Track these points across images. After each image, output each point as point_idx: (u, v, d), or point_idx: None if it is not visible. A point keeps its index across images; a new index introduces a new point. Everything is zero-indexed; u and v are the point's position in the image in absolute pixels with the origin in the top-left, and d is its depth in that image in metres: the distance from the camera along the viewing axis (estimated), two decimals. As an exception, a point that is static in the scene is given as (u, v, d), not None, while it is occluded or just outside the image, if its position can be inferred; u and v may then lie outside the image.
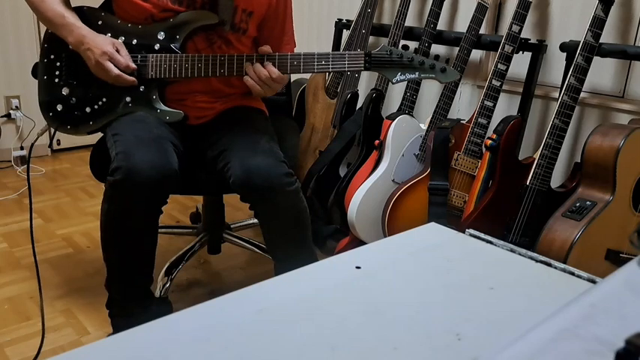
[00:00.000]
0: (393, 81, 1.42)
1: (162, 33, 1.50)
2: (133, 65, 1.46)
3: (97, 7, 1.58)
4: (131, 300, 1.50)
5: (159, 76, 1.49)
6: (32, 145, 1.62)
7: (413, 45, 1.94)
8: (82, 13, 1.52)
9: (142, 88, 1.50)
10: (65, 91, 1.53)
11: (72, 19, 1.47)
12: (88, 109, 1.53)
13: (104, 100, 1.52)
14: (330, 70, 1.44)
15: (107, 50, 1.43)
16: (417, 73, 1.42)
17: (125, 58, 1.45)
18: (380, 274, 0.73)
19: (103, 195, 1.39)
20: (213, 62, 1.46)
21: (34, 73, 1.61)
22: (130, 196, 1.34)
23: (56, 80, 1.54)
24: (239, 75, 1.46)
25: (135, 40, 1.51)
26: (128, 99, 1.51)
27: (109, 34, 1.50)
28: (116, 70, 1.43)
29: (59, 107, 1.53)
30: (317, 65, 1.44)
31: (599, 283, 0.53)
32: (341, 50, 2.35)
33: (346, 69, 1.45)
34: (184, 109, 1.53)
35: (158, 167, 1.33)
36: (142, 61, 1.49)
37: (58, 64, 1.54)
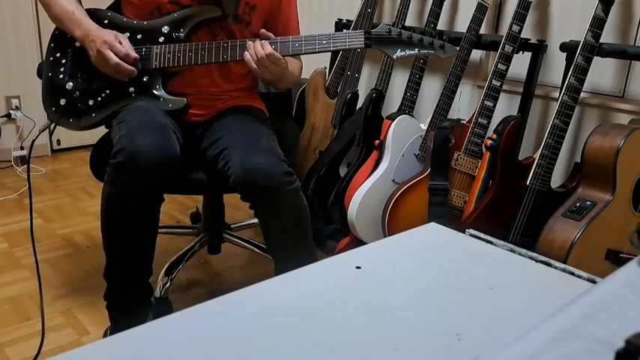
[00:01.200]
0: (394, 57, 1.44)
1: (166, 27, 1.53)
2: (134, 54, 1.48)
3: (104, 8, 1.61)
4: (130, 291, 1.50)
5: (163, 65, 1.51)
6: (33, 141, 1.62)
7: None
8: (90, 14, 1.55)
9: (145, 79, 1.53)
10: (69, 86, 1.54)
11: (81, 15, 1.51)
12: (91, 102, 1.54)
13: (107, 92, 1.53)
14: (332, 48, 1.46)
15: (108, 40, 1.45)
16: (416, 49, 1.45)
17: (126, 48, 1.47)
18: (380, 274, 0.73)
19: (104, 179, 1.39)
20: (216, 48, 1.49)
21: (39, 73, 1.62)
22: (132, 178, 1.33)
23: (60, 76, 1.56)
24: (241, 60, 1.48)
25: (140, 36, 1.54)
26: (132, 89, 1.53)
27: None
28: (116, 59, 1.45)
29: (62, 101, 1.55)
30: (318, 45, 1.46)
31: (599, 283, 0.53)
32: (341, 51, 2.35)
33: (347, 46, 1.47)
34: None
35: (160, 150, 1.33)
36: (146, 52, 1.52)
37: (64, 61, 1.56)
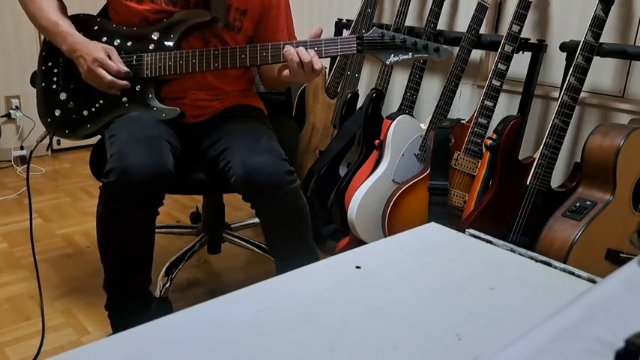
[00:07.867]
0: (387, 62, 1.42)
1: (156, 33, 1.51)
2: (125, 68, 1.46)
3: (94, 14, 1.59)
4: (130, 301, 1.50)
5: (154, 74, 1.49)
6: (31, 152, 1.63)
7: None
8: (79, 20, 1.53)
9: (138, 88, 1.51)
10: (63, 96, 1.53)
11: (66, 27, 1.47)
12: (85, 112, 1.53)
13: (101, 102, 1.52)
14: (323, 55, 1.44)
15: (98, 57, 1.42)
16: (410, 53, 1.42)
17: (116, 62, 1.45)
18: (380, 274, 0.73)
19: (98, 197, 1.39)
20: (207, 57, 1.47)
21: (33, 82, 1.61)
22: (124, 198, 1.33)
23: (54, 87, 1.55)
24: (233, 67, 1.47)
25: (130, 43, 1.51)
26: (125, 99, 1.51)
27: (105, 38, 1.51)
28: (109, 77, 1.43)
29: (57, 112, 1.54)
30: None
31: (599, 283, 0.53)
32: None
33: (339, 53, 1.46)
34: (182, 107, 1.53)
35: (151, 167, 1.32)
36: (137, 61, 1.50)
37: (56, 70, 1.55)
